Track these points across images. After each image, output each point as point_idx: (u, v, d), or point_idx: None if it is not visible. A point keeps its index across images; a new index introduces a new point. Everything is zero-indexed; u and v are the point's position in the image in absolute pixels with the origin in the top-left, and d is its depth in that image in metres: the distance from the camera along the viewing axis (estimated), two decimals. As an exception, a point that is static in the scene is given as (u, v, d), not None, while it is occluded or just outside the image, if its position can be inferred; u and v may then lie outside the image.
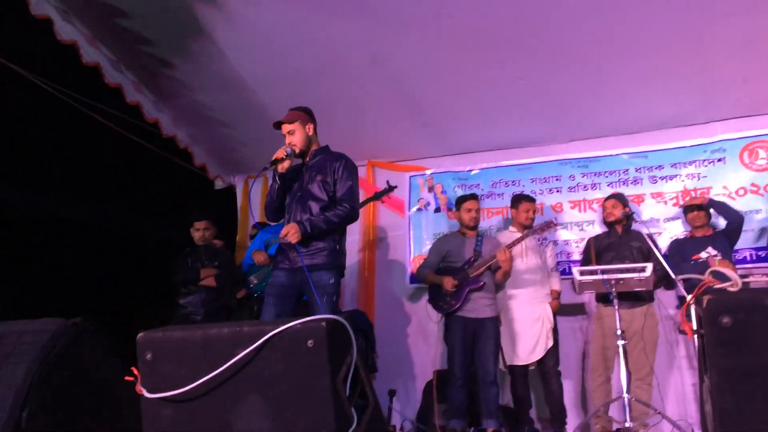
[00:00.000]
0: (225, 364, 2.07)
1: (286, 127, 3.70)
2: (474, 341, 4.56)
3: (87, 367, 2.52)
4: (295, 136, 3.68)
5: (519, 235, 4.78)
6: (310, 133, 3.75)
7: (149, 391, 2.16)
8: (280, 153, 3.58)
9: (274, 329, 2.07)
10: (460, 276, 4.63)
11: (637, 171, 5.50)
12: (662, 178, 5.41)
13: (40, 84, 4.55)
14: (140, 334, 2.22)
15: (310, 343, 2.03)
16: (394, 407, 5.28)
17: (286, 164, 3.62)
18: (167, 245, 5.63)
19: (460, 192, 5.80)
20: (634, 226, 4.86)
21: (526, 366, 4.75)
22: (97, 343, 2.61)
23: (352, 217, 3.66)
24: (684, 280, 3.87)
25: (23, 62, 4.41)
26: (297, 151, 3.67)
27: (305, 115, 3.76)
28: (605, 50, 4.51)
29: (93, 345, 2.59)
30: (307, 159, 3.75)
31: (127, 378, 2.20)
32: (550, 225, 4.68)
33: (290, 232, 3.47)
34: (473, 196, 4.92)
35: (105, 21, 4.44)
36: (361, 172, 6.33)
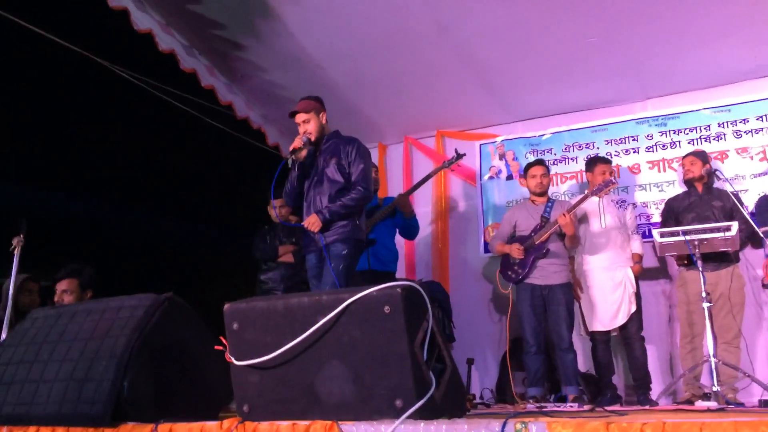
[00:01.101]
0: (306, 331, 2.15)
1: (300, 116, 3.85)
2: (544, 308, 4.55)
3: (179, 338, 2.67)
4: (310, 124, 3.83)
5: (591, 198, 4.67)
6: (324, 122, 3.90)
7: (237, 359, 2.27)
8: (297, 143, 3.76)
9: (351, 297, 2.13)
10: (526, 244, 4.60)
11: (719, 126, 5.25)
12: (747, 132, 5.15)
13: (120, 73, 4.75)
14: (227, 305, 2.34)
15: (386, 309, 2.08)
16: (473, 376, 5.32)
17: (303, 153, 3.82)
18: (247, 222, 5.82)
19: (531, 158, 5.71)
20: (718, 184, 4.66)
21: (608, 332, 4.67)
22: (187, 316, 2.76)
23: (368, 198, 3.86)
24: (771, 236, 3.70)
25: (103, 53, 4.61)
26: (313, 139, 3.81)
27: (318, 104, 3.90)
28: (679, 1, 4.30)
29: (183, 318, 2.74)
30: (321, 144, 3.90)
31: (216, 347, 2.32)
32: (608, 184, 4.55)
33: (312, 222, 3.71)
34: (539, 162, 4.87)
35: (178, 8, 4.59)
36: (430, 142, 6.35)
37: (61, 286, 4.09)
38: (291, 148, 3.77)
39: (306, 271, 3.97)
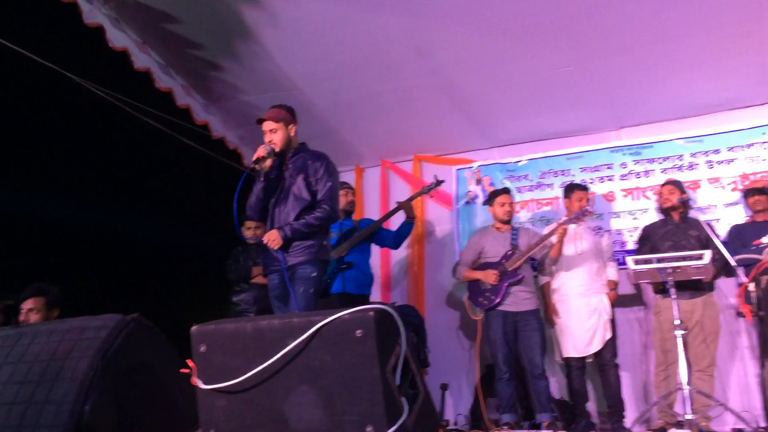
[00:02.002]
0: (276, 355, 2.10)
1: (268, 125, 3.70)
2: (515, 334, 4.54)
3: (144, 361, 2.59)
4: (276, 134, 3.68)
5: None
6: (292, 134, 3.75)
7: (204, 383, 2.21)
8: (261, 152, 3.59)
9: (322, 320, 2.08)
10: (500, 270, 4.60)
11: (692, 156, 5.33)
12: (719, 163, 5.24)
13: (95, 90, 4.69)
14: (194, 327, 2.27)
15: (358, 333, 2.03)
16: (447, 401, 5.27)
17: (268, 163, 3.64)
18: (219, 244, 5.75)
19: (508, 183, 5.76)
20: (690, 214, 4.71)
21: (583, 358, 4.67)
22: (154, 338, 2.68)
23: (332, 217, 3.69)
24: (744, 265, 3.73)
25: (77, 70, 4.55)
26: (277, 150, 3.67)
27: (289, 115, 3.76)
28: (654, 31, 4.37)
29: (149, 340, 2.66)
30: (287, 158, 3.76)
31: (182, 370, 2.25)
32: (585, 213, 4.58)
33: (271, 239, 3.55)
34: (506, 191, 4.94)
35: (154, 27, 4.55)
36: (407, 166, 6.35)
37: (27, 304, 3.99)
38: (254, 158, 3.58)
39: None
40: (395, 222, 5.31)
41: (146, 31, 4.63)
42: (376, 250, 5.31)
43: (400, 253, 5.98)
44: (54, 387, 2.37)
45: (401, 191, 6.14)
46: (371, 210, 6.19)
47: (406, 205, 5.03)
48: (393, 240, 5.12)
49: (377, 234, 5.06)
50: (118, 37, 4.43)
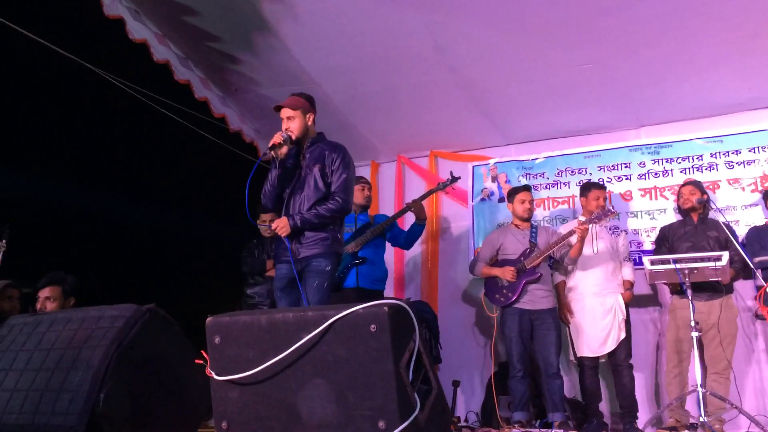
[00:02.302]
0: (289, 348, 2.10)
1: (285, 112, 3.64)
2: (532, 333, 4.52)
3: (159, 351, 2.61)
4: (294, 122, 3.61)
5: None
6: (310, 123, 3.69)
7: (218, 374, 2.22)
8: (277, 138, 3.53)
9: (337, 314, 2.08)
10: (518, 267, 4.58)
11: (712, 156, 5.27)
12: (739, 164, 5.17)
13: (114, 81, 4.73)
14: (209, 319, 2.28)
15: (372, 327, 2.03)
16: (459, 398, 5.26)
17: (283, 150, 3.56)
18: (235, 236, 5.77)
19: (524, 181, 5.72)
20: (711, 215, 4.66)
21: (596, 358, 4.64)
22: (169, 329, 2.70)
23: (345, 210, 3.62)
24: (762, 268, 3.69)
25: (97, 61, 4.59)
26: (293, 138, 3.60)
27: (308, 103, 3.69)
28: (676, 29, 4.32)
29: (164, 330, 2.68)
30: (304, 147, 3.69)
31: (197, 361, 2.26)
32: (607, 213, 4.54)
33: (279, 226, 3.50)
34: (526, 188, 4.87)
35: (174, 19, 4.57)
36: (424, 162, 6.34)
37: (44, 293, 4.03)
38: (270, 144, 3.53)
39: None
40: (409, 220, 5.30)
41: (166, 24, 4.65)
42: (390, 245, 5.31)
43: (415, 250, 5.97)
44: (69, 375, 2.40)
45: (417, 187, 6.13)
46: (386, 205, 6.18)
47: (417, 205, 5.00)
48: (404, 241, 5.11)
49: (390, 232, 5.05)
50: (138, 29, 4.46)
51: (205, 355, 2.26)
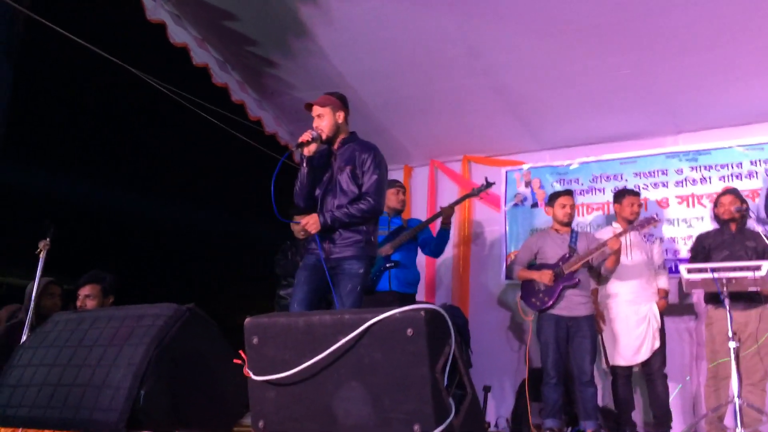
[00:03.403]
0: (327, 350, 2.13)
1: (316, 110, 3.60)
2: (568, 340, 4.47)
3: (198, 350, 2.66)
4: (323, 120, 3.56)
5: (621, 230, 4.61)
6: (340, 121, 3.61)
7: (255, 374, 2.26)
8: (305, 136, 3.47)
9: (374, 317, 2.10)
10: (556, 272, 4.53)
11: (752, 164, 5.16)
12: (781, 172, 5.07)
13: (155, 84, 4.82)
14: (247, 319, 2.32)
15: (409, 332, 2.05)
16: (489, 403, 5.24)
17: (312, 147, 3.50)
18: (270, 239, 5.84)
19: (558, 187, 5.67)
20: (750, 224, 4.57)
21: (630, 367, 4.58)
22: (207, 328, 2.75)
23: (376, 210, 3.56)
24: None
25: (139, 64, 4.69)
26: (324, 137, 3.55)
27: (338, 101, 3.64)
28: (716, 35, 4.26)
29: (203, 329, 2.73)
30: (335, 147, 3.66)
31: (235, 361, 2.30)
32: (650, 221, 4.47)
33: (309, 223, 3.47)
34: (568, 192, 4.80)
35: (213, 24, 4.67)
36: (456, 167, 6.33)
37: (85, 290, 4.12)
38: (298, 141, 3.46)
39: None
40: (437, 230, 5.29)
41: (205, 28, 4.75)
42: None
43: (446, 254, 5.96)
44: (111, 371, 2.46)
45: (449, 191, 6.13)
46: (419, 209, 6.19)
47: (448, 210, 5.00)
48: (434, 248, 5.09)
49: (422, 236, 5.05)
50: (178, 33, 4.55)
51: (243, 355, 2.31)
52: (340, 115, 3.63)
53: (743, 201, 4.56)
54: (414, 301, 4.76)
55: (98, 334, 2.64)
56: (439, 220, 5.25)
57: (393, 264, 4.74)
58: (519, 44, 4.53)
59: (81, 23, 4.26)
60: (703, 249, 4.60)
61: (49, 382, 2.56)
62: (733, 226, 4.55)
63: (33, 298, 3.75)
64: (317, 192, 3.65)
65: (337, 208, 3.51)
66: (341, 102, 3.67)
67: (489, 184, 5.20)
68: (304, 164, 3.59)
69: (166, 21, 4.42)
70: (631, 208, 4.73)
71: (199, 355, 2.68)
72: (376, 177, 3.55)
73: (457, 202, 5.25)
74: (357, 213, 3.48)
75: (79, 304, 4.10)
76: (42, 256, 3.76)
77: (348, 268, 3.48)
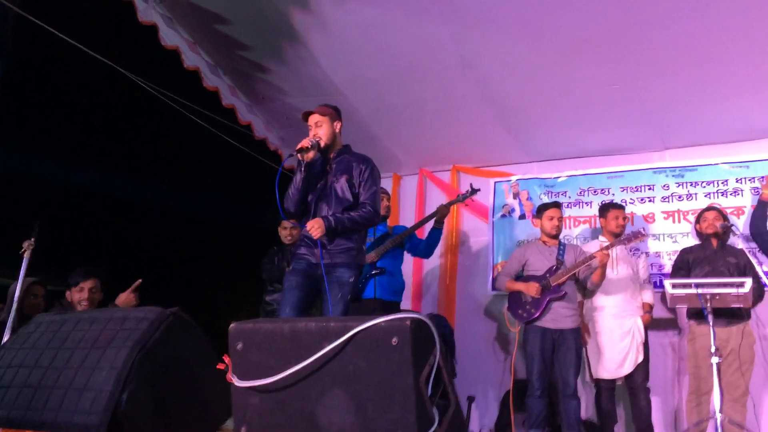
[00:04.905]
0: (311, 357, 2.12)
1: (314, 118, 3.71)
2: (553, 352, 4.48)
3: (181, 354, 2.65)
4: (322, 129, 3.68)
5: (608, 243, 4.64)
6: (337, 131, 3.76)
7: (239, 380, 2.24)
8: (305, 142, 3.57)
9: (359, 325, 2.10)
10: (542, 284, 4.55)
11: (737, 182, 5.23)
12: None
13: (145, 86, 4.80)
14: (232, 325, 2.31)
15: (394, 341, 2.05)
16: (473, 413, 5.24)
17: (311, 154, 3.59)
18: (258, 243, 5.82)
19: (546, 199, 5.71)
20: (732, 241, 4.62)
21: (614, 380, 4.60)
22: (191, 332, 2.74)
23: (375, 220, 3.70)
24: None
25: (129, 65, 4.67)
26: (322, 144, 3.65)
27: (335, 112, 3.78)
28: (706, 52, 4.29)
29: (187, 333, 2.72)
30: (331, 156, 3.76)
31: (219, 366, 2.29)
32: (638, 235, 4.50)
33: (314, 227, 3.51)
34: (556, 204, 4.81)
35: (206, 27, 4.65)
36: (446, 176, 6.35)
37: (89, 284, 4.05)
38: (298, 147, 3.55)
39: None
40: (427, 231, 5.31)
41: (197, 31, 4.72)
42: (408, 257, 5.31)
43: (433, 262, 5.98)
44: (93, 374, 2.44)
45: (438, 200, 6.12)
46: (407, 218, 6.20)
47: (443, 210, 5.04)
48: (424, 248, 5.12)
49: (409, 242, 5.06)
50: (170, 36, 4.52)
51: (227, 360, 2.30)
52: (337, 125, 3.77)
53: (726, 218, 4.61)
54: (399, 310, 4.76)
55: (81, 336, 2.62)
56: (426, 226, 5.27)
57: (379, 271, 4.74)
58: (511, 56, 4.55)
59: (72, 22, 4.23)
60: (686, 263, 4.65)
61: (30, 384, 2.54)
62: (714, 242, 4.60)
63: (16, 298, 3.71)
64: (309, 198, 3.71)
65: (339, 214, 3.58)
66: (338, 114, 3.81)
67: (474, 191, 5.23)
68: (302, 170, 3.64)
69: (158, 23, 4.39)
70: (616, 221, 4.77)
71: (182, 359, 2.67)
72: (375, 189, 3.70)
73: (450, 204, 5.27)
74: (360, 220, 3.60)
75: (83, 296, 4.00)
76: (26, 255, 3.73)
77: (338, 276, 3.55)
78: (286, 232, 5.15)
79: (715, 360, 3.86)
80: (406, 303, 5.50)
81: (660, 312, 4.96)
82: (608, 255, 4.43)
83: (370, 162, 3.77)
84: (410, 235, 5.03)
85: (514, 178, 6.07)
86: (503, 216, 6.06)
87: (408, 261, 5.46)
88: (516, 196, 6.04)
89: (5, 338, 3.54)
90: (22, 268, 3.71)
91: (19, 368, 2.62)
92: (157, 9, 4.40)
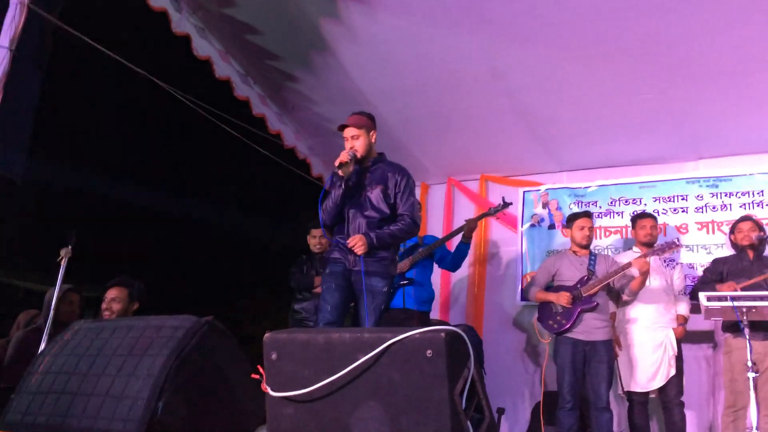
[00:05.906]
0: (346, 368, 2.13)
1: (350, 131, 3.70)
2: (585, 364, 4.41)
3: (215, 362, 2.67)
4: (359, 141, 3.68)
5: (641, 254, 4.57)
6: (373, 141, 3.76)
7: (273, 390, 2.25)
8: (344, 157, 3.56)
9: (393, 337, 2.10)
10: (574, 294, 4.49)
11: (773, 192, 5.13)
12: (803, 201, 5.02)
13: (178, 96, 4.87)
14: (267, 335, 2.32)
15: (428, 353, 2.04)
16: (502, 426, 5.19)
17: (351, 168, 3.62)
18: (285, 251, 5.86)
19: (575, 209, 5.65)
20: (765, 251, 4.53)
21: (646, 393, 4.53)
22: (225, 341, 2.76)
23: (414, 231, 3.72)
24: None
25: (163, 75, 4.74)
26: (359, 156, 3.67)
27: (370, 122, 3.76)
28: (739, 62, 4.24)
29: (221, 342, 2.74)
30: (366, 165, 3.76)
31: (253, 375, 2.30)
32: (672, 245, 4.43)
33: (358, 244, 3.53)
34: (587, 214, 4.74)
35: (237, 37, 4.71)
36: (474, 185, 6.33)
37: (111, 293, 4.12)
38: (337, 162, 3.56)
39: None
40: (457, 243, 5.29)
41: (229, 41, 4.79)
42: (437, 267, 5.30)
43: (461, 273, 5.95)
44: (130, 382, 2.47)
45: (466, 210, 6.13)
46: (435, 227, 6.19)
47: (471, 224, 5.01)
48: (451, 262, 5.09)
49: (438, 253, 5.04)
50: (203, 46, 4.60)
51: (261, 370, 2.31)
52: (373, 135, 3.78)
53: (761, 229, 4.53)
54: (428, 320, 4.74)
55: (118, 343, 2.66)
56: (455, 238, 5.25)
57: (408, 281, 4.73)
58: (541, 66, 4.53)
59: (108, 33, 4.31)
60: (719, 274, 4.56)
61: (69, 391, 2.57)
62: (750, 254, 4.50)
63: (52, 306, 3.77)
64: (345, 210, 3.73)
65: (372, 229, 3.59)
66: (372, 122, 3.80)
67: (506, 204, 5.19)
68: (341, 185, 3.67)
69: (191, 33, 4.47)
70: (644, 231, 4.71)
71: (216, 367, 2.69)
72: (413, 199, 3.72)
73: (480, 218, 5.25)
74: (400, 234, 3.63)
75: (104, 306, 4.09)
76: (63, 263, 3.79)
77: (372, 285, 3.56)
78: (315, 240, 5.16)
79: (751, 375, 3.78)
80: (434, 313, 5.48)
81: (695, 325, 4.87)
82: (648, 263, 4.34)
83: (405, 172, 3.77)
84: (440, 246, 5.02)
85: (543, 188, 6.02)
86: (532, 226, 6.01)
87: (437, 271, 5.44)
88: (545, 205, 5.99)
89: (42, 345, 3.61)
90: (59, 276, 3.78)
91: (57, 375, 2.66)
92: (190, 20, 4.48)
